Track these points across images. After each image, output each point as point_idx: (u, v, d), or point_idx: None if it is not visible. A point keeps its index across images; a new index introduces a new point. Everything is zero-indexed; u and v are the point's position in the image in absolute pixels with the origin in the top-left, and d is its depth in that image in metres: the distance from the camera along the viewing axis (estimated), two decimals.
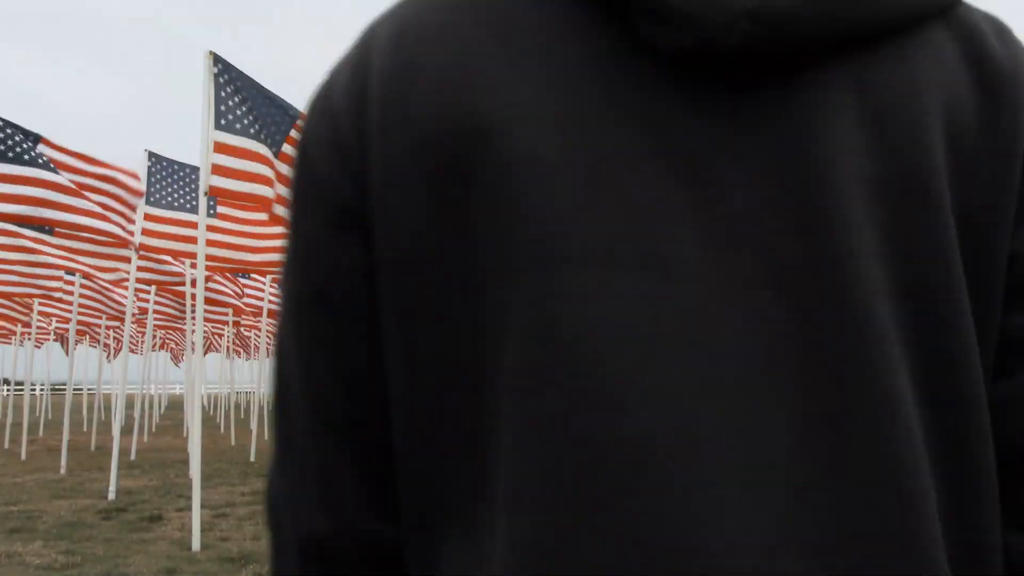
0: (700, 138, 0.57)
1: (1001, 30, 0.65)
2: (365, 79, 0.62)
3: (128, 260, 10.77)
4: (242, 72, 7.77)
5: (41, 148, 8.77)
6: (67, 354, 14.95)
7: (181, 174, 10.60)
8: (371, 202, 0.61)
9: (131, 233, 9.47)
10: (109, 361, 24.55)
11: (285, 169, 7.79)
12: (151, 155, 10.44)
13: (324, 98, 0.65)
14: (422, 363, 0.59)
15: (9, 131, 8.61)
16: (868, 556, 0.53)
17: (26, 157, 8.59)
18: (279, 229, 10.83)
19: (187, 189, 10.61)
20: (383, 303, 0.61)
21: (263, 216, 10.49)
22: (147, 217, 10.21)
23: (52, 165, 8.66)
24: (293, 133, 7.94)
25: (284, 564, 0.67)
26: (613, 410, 0.53)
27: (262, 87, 7.86)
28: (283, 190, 7.79)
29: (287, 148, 7.87)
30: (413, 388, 0.60)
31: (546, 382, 0.54)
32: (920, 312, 0.57)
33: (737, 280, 0.55)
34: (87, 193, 8.95)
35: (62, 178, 8.71)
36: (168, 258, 11.38)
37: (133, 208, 9.49)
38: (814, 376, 0.54)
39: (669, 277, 0.55)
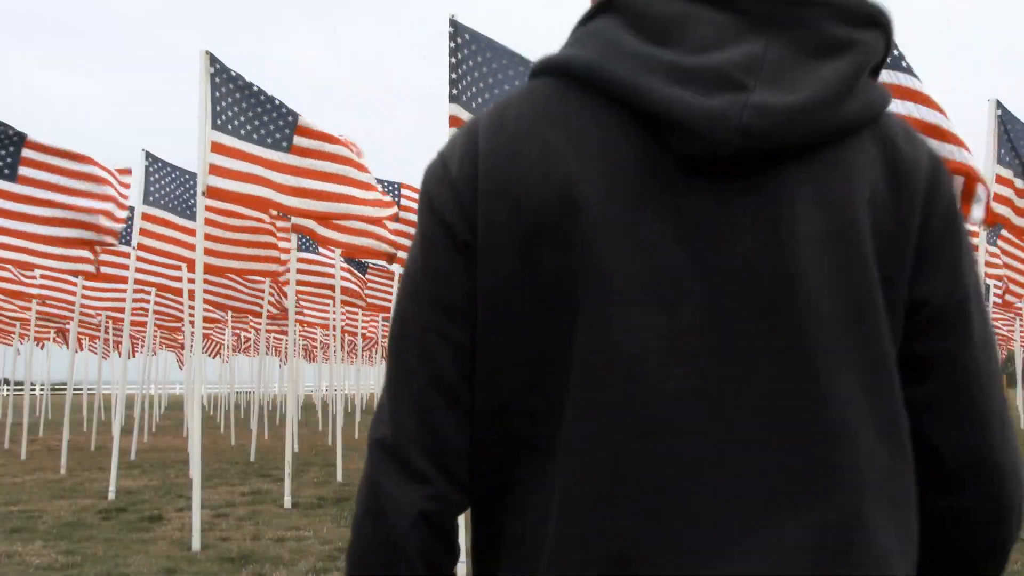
0: (705, 212, 0.87)
1: (909, 134, 0.94)
2: (475, 158, 0.92)
3: (126, 255, 10.76)
4: (237, 73, 7.75)
5: (25, 152, 8.73)
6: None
7: (174, 175, 10.58)
8: (477, 242, 0.91)
9: (119, 222, 9.39)
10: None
11: (294, 160, 7.80)
12: (148, 155, 10.43)
13: (443, 169, 0.96)
14: (510, 359, 0.90)
15: None
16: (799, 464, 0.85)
17: None
18: (269, 238, 10.81)
19: (184, 193, 10.60)
20: (480, 313, 0.91)
21: (255, 224, 10.48)
22: (144, 217, 10.20)
23: (6, 172, 8.64)
24: (301, 122, 7.89)
25: (384, 510, 0.91)
26: (637, 395, 0.84)
27: (255, 86, 7.83)
28: (279, 196, 7.74)
29: (298, 140, 7.85)
30: (503, 374, 0.91)
31: (596, 378, 0.86)
32: (857, 327, 0.87)
33: (723, 313, 0.86)
34: (67, 196, 8.90)
35: (16, 187, 8.69)
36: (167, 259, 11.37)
37: (123, 206, 9.43)
38: (773, 372, 0.85)
39: (677, 311, 0.86)
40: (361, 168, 8.07)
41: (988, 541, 0.96)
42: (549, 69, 0.95)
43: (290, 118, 7.82)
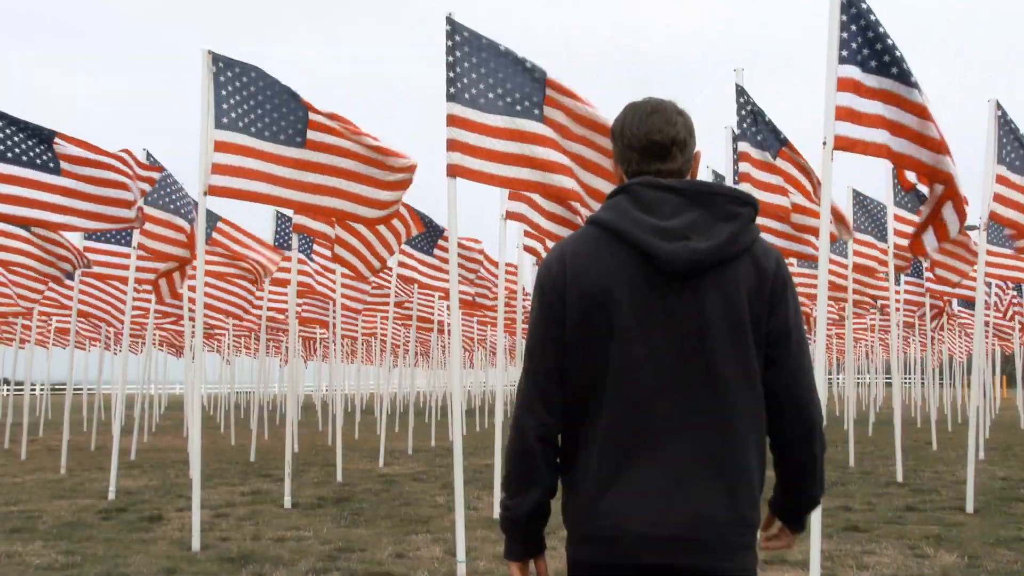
0: (671, 297, 2.07)
1: (766, 251, 2.13)
2: (564, 268, 2.13)
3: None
4: (246, 64, 7.59)
5: (58, 145, 8.72)
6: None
7: (173, 177, 10.57)
8: (565, 311, 2.12)
9: (133, 211, 9.34)
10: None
11: (310, 156, 7.59)
12: (148, 156, 10.42)
13: (548, 272, 2.16)
14: (579, 366, 2.12)
15: (20, 133, 8.55)
16: (714, 444, 2.08)
17: (25, 159, 8.56)
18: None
19: (183, 197, 10.58)
20: (568, 344, 2.13)
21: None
22: (144, 216, 10.17)
23: (51, 165, 8.61)
24: (312, 116, 7.63)
25: (524, 434, 2.14)
26: (638, 386, 2.08)
27: (267, 75, 7.65)
28: (287, 192, 7.68)
29: (311, 135, 7.58)
30: (575, 374, 2.12)
31: (619, 374, 2.08)
32: (737, 350, 2.07)
33: (679, 345, 2.07)
34: (97, 186, 8.89)
35: (61, 180, 8.67)
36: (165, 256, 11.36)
37: (143, 192, 9.40)
38: (701, 383, 2.06)
39: (658, 345, 2.07)
40: (382, 167, 7.73)
41: (804, 441, 2.17)
42: (595, 222, 2.15)
43: (300, 112, 7.61)
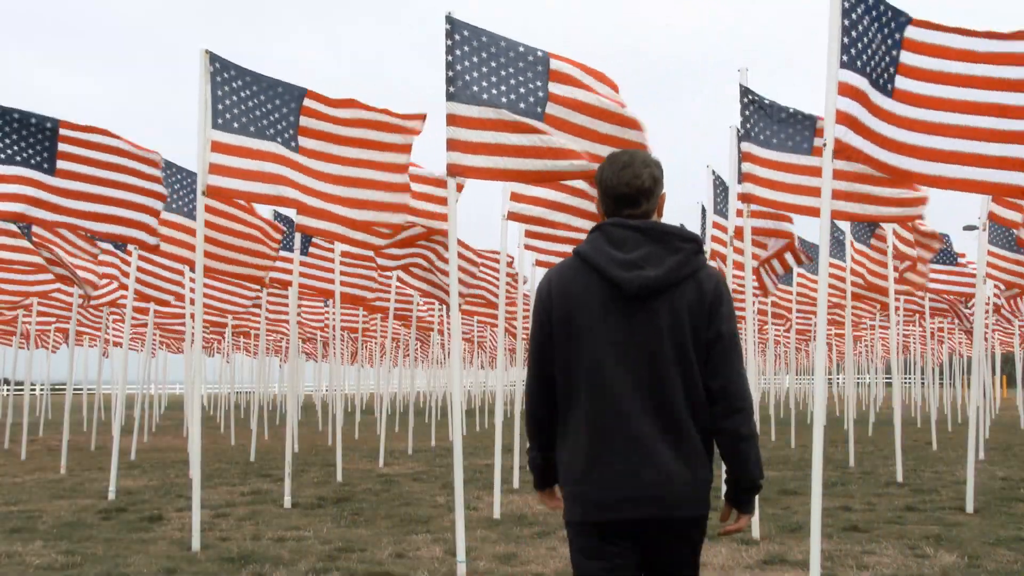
0: (630, 314, 2.78)
1: (709, 275, 2.83)
2: (550, 291, 2.87)
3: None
4: (241, 67, 7.55)
5: (61, 146, 8.53)
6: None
7: (177, 175, 10.56)
8: (551, 323, 2.86)
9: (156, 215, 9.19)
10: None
11: (304, 160, 7.56)
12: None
13: (539, 295, 2.90)
14: (560, 364, 2.85)
15: (22, 126, 8.43)
16: (661, 417, 2.77)
17: (19, 158, 8.46)
18: (262, 247, 10.70)
19: (187, 194, 10.58)
20: (555, 352, 2.87)
21: (249, 230, 10.36)
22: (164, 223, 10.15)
23: (45, 167, 8.49)
24: (303, 122, 7.57)
25: (530, 420, 2.98)
26: (602, 377, 2.78)
27: (263, 76, 7.61)
28: (290, 191, 7.63)
29: (302, 141, 7.58)
30: (559, 370, 2.86)
31: (589, 372, 2.80)
32: (679, 355, 2.76)
33: (636, 350, 2.76)
34: (109, 173, 8.78)
35: (56, 180, 8.55)
36: (167, 262, 11.35)
37: (160, 197, 9.26)
38: (655, 383, 2.76)
39: (620, 350, 2.77)
40: (399, 149, 7.65)
41: (732, 424, 2.75)
42: (576, 254, 2.83)
43: (292, 118, 7.56)
